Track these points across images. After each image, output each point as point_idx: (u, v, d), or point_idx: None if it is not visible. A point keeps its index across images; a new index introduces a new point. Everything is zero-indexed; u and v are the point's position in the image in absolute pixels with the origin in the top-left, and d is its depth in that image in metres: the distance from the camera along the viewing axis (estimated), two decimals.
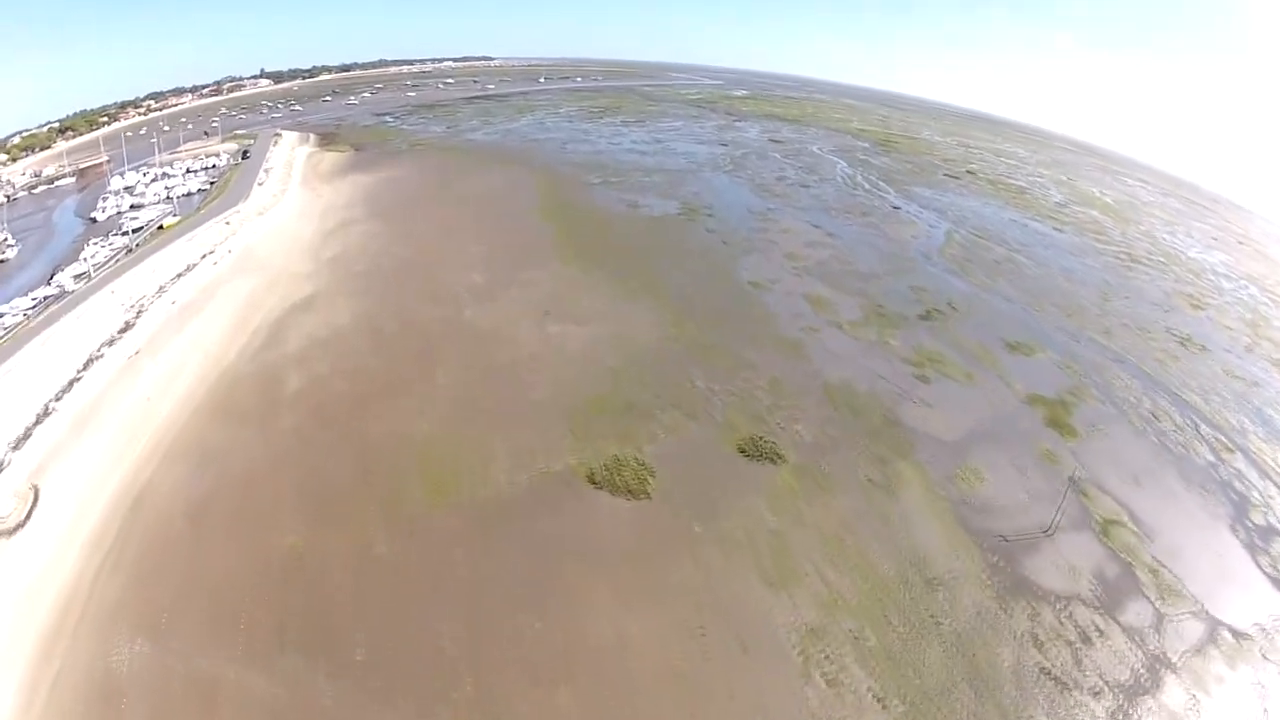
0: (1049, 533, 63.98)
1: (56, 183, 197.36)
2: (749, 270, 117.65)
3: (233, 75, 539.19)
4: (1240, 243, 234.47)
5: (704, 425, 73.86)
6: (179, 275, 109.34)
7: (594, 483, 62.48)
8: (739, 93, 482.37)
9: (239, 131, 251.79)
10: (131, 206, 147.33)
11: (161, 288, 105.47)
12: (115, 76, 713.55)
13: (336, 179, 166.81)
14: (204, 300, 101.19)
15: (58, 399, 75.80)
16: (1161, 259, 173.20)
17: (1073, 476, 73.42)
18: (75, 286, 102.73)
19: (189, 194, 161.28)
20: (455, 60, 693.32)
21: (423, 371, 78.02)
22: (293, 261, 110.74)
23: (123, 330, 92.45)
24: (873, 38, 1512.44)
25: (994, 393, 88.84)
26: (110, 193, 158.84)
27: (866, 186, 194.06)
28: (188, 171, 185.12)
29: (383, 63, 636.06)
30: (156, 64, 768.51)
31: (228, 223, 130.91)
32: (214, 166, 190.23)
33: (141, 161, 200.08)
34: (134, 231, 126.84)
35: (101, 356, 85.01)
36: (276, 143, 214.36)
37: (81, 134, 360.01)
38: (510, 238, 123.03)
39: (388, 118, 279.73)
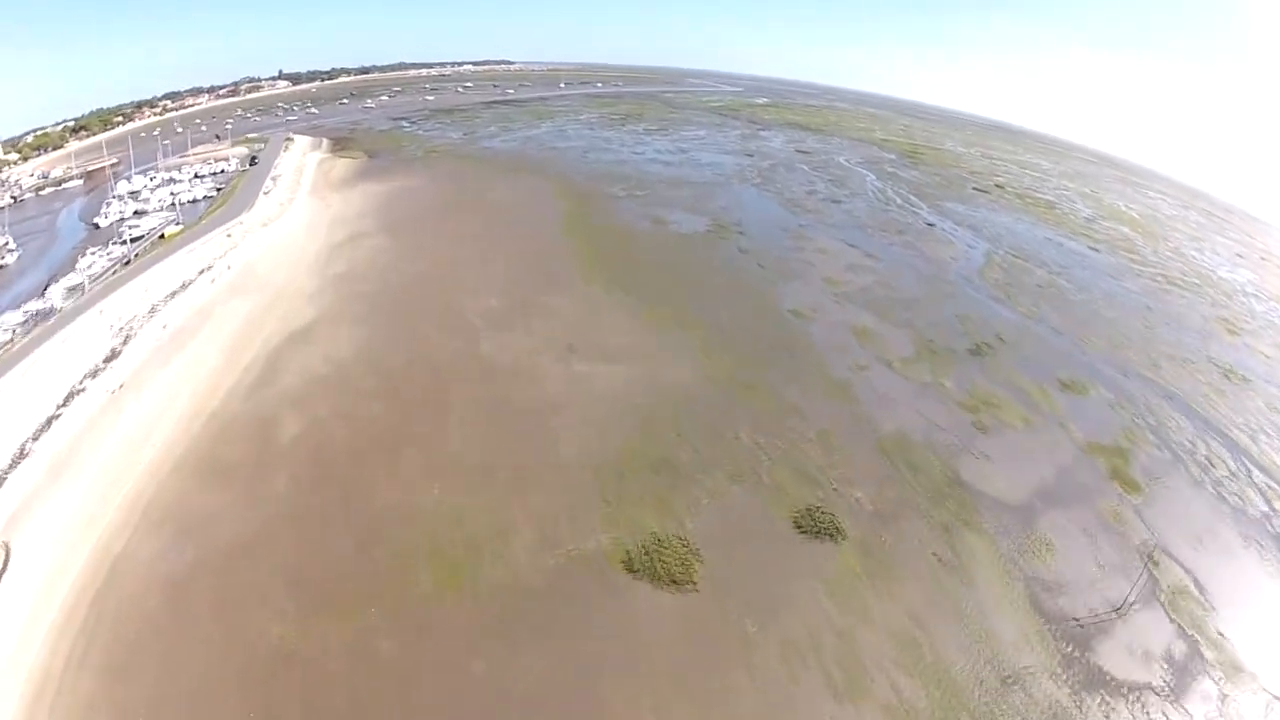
0: (1121, 612, 57.75)
1: (63, 185, 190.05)
2: (788, 297, 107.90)
3: (251, 76, 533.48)
4: (1263, 259, 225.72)
5: (751, 489, 64.09)
6: (173, 294, 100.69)
7: (631, 570, 52.84)
8: (760, 100, 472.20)
9: (250, 135, 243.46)
10: (135, 213, 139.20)
11: (153, 308, 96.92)
12: (135, 74, 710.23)
13: (347, 188, 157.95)
14: (197, 325, 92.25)
15: (35, 438, 67.38)
16: (1195, 280, 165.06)
17: (1149, 554, 65.46)
18: (65, 302, 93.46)
19: (194, 200, 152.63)
20: (475, 64, 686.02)
21: (433, 419, 68.50)
22: (296, 279, 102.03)
23: (109, 359, 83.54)
24: (887, 44, 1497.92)
25: (1053, 441, 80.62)
26: (114, 198, 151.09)
27: (899, 201, 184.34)
28: (195, 176, 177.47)
29: (402, 65, 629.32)
30: (177, 63, 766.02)
31: (229, 235, 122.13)
32: (222, 172, 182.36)
33: (149, 165, 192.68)
34: (134, 240, 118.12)
35: (84, 390, 76.25)
36: (287, 148, 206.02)
37: (95, 133, 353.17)
38: (529, 255, 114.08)
39: (404, 123, 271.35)
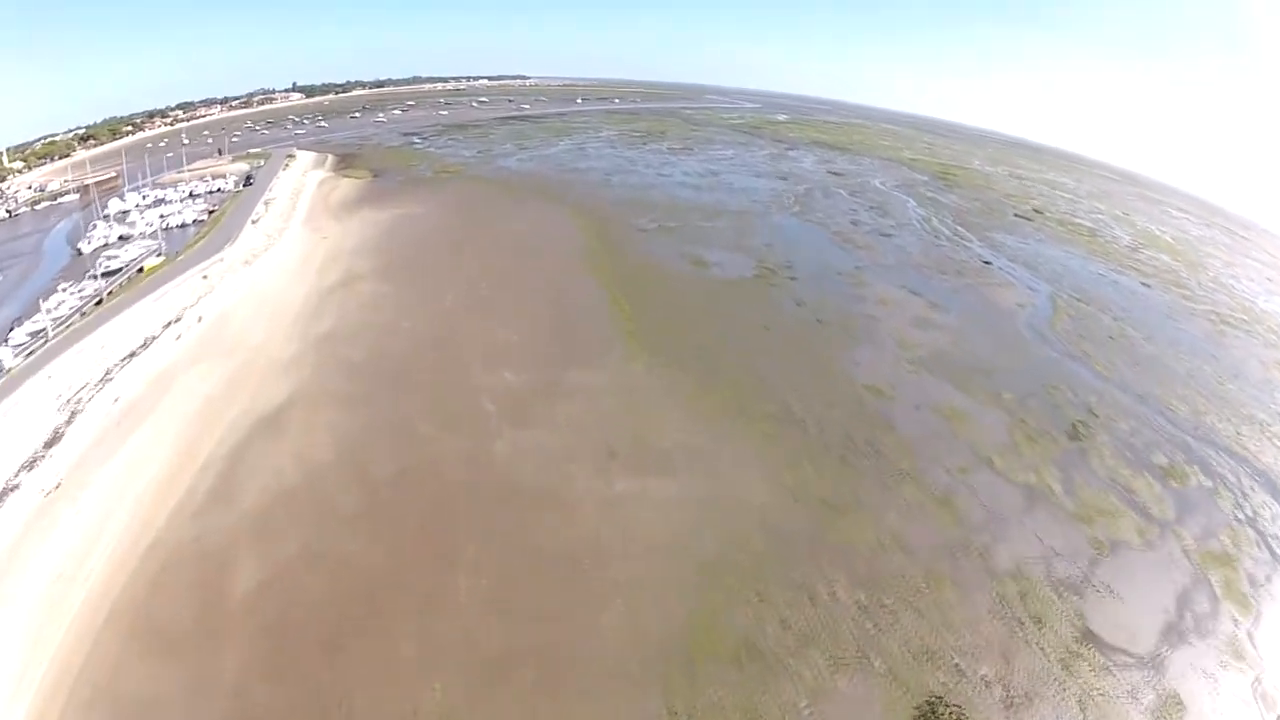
0: None
1: (59, 199, 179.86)
2: (860, 366, 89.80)
3: (264, 88, 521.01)
4: None
5: (860, 679, 46.55)
6: (131, 355, 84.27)
7: None
8: (780, 117, 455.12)
9: (253, 150, 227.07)
10: (120, 238, 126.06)
11: (107, 374, 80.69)
12: (153, 82, 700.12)
13: (346, 215, 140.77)
14: (153, 399, 74.79)
15: None
16: (1243, 316, 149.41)
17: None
18: (16, 360, 79.03)
19: (184, 225, 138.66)
20: (490, 79, 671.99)
21: (433, 569, 50.65)
22: (273, 340, 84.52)
23: (50, 443, 67.69)
24: (899, 61, 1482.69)
25: (1169, 557, 66.72)
26: (101, 219, 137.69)
27: (946, 233, 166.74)
28: (190, 196, 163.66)
29: (417, 79, 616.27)
30: (194, 72, 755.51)
31: (205, 276, 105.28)
32: (219, 190, 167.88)
33: (146, 180, 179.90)
34: (110, 274, 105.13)
35: (17, 487, 60.83)
36: (288, 165, 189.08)
37: (103, 143, 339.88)
38: (552, 310, 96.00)
39: (415, 139, 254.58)
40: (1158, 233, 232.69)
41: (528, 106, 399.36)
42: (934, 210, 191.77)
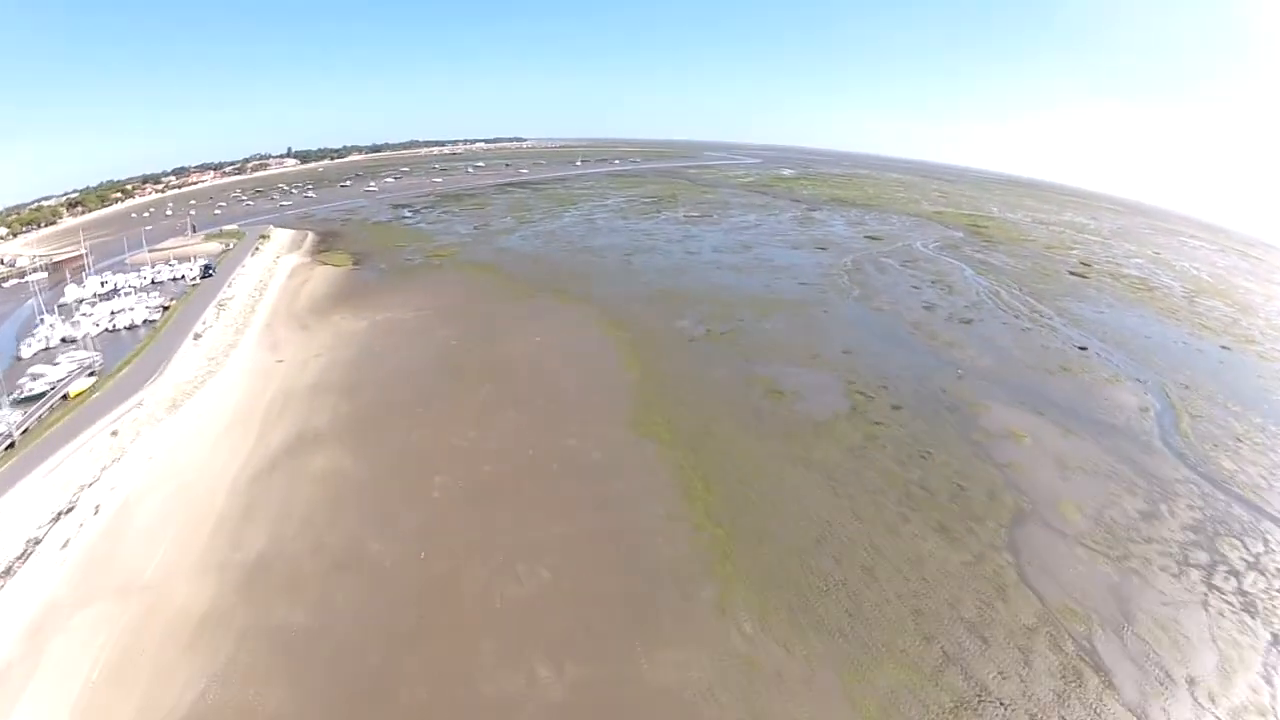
0: None
1: (26, 276, 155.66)
2: (1047, 584, 55.34)
3: (260, 153, 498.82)
4: None
5: None
6: (6, 572, 50.70)
7: None
8: (786, 172, 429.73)
9: (227, 227, 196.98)
10: (63, 340, 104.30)
11: None
12: (156, 144, 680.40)
13: (314, 322, 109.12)
14: (13, 687, 40.89)
15: None
16: None
17: None
18: None
19: (132, 326, 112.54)
20: (487, 141, 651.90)
21: None
22: (181, 570, 53.02)
23: None
24: (882, 106, 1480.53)
25: None
26: (53, 311, 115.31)
27: (1023, 310, 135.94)
28: (151, 283, 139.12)
29: (414, 143, 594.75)
30: (194, 136, 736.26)
31: (115, 432, 73.29)
32: (182, 279, 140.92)
33: (115, 260, 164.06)
34: (28, 400, 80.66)
35: None
36: (258, 249, 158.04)
37: (91, 209, 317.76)
38: (595, 510, 62.45)
39: (406, 212, 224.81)
40: (1195, 272, 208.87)
41: (526, 171, 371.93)
42: (993, 277, 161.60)
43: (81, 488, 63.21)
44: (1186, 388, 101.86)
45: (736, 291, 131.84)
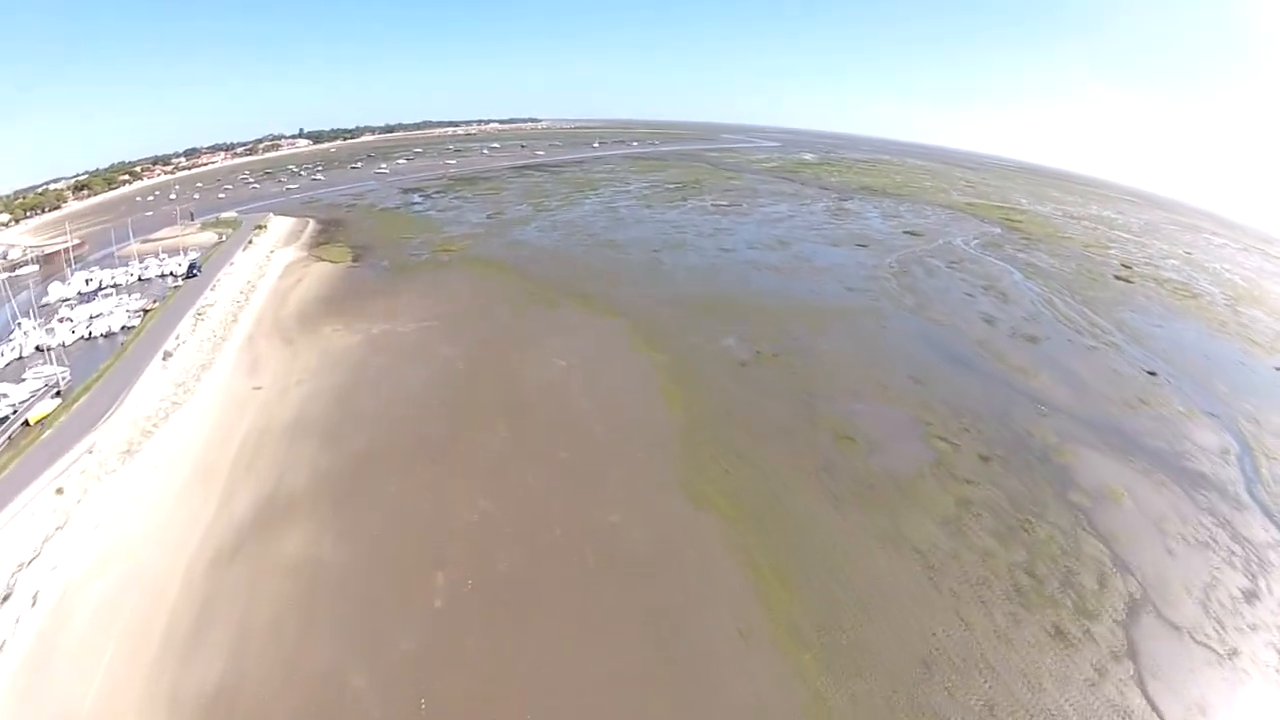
0: None
1: (18, 270, 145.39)
2: (1173, 704, 43.32)
3: (273, 134, 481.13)
4: None
5: None
6: None
7: None
8: (808, 157, 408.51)
9: (225, 215, 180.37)
10: (37, 348, 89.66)
11: None
12: (170, 125, 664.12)
13: (302, 333, 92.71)
14: None
15: None
16: None
17: None
18: None
19: (109, 333, 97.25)
20: (501, 122, 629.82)
21: None
22: (123, 700, 38.97)
23: None
24: (897, 91, 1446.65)
25: None
26: (21, 321, 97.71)
27: (1083, 324, 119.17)
28: (139, 280, 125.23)
29: (428, 123, 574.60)
30: (208, 116, 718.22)
31: (60, 490, 57.53)
32: (171, 275, 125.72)
33: (108, 251, 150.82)
34: None
35: None
36: (251, 243, 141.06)
37: (96, 193, 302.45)
38: (649, 626, 46.63)
39: (415, 197, 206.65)
40: (1228, 275, 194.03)
41: (542, 153, 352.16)
42: (1043, 282, 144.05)
43: (20, 566, 48.60)
44: (1255, 421, 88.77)
45: (781, 298, 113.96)
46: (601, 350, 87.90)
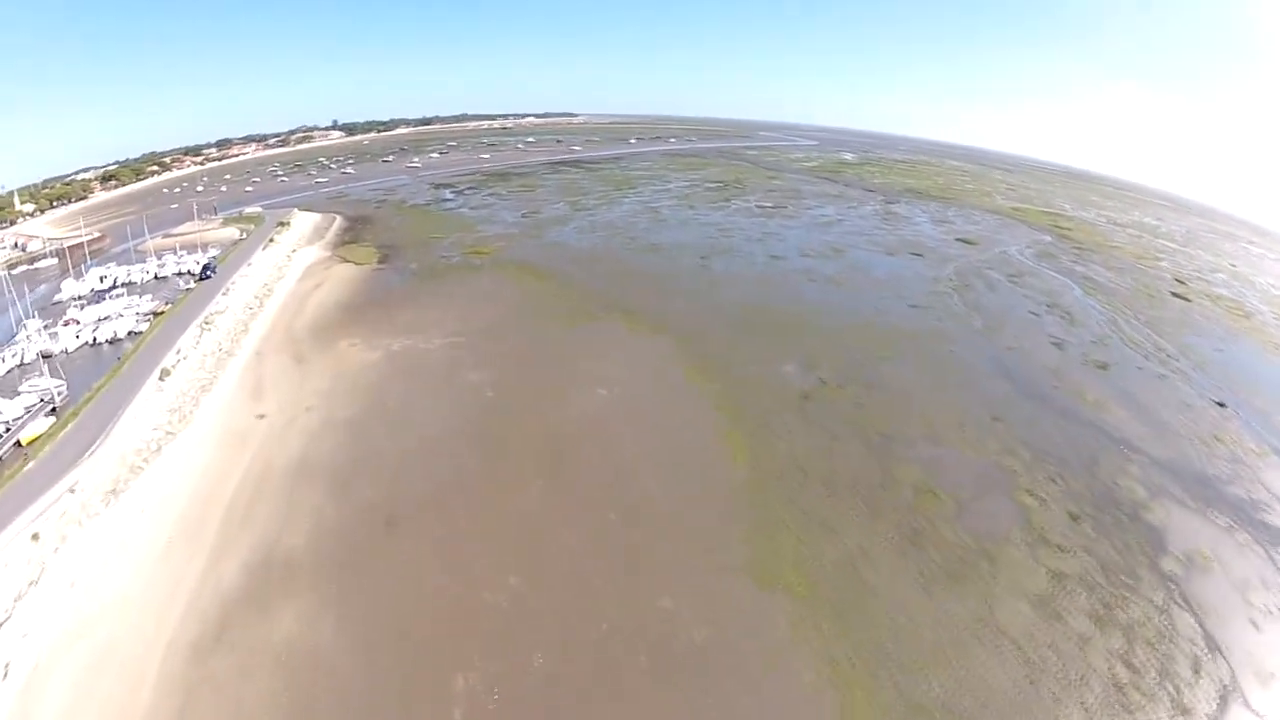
0: None
1: (36, 263, 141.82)
2: None
3: (306, 125, 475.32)
4: None
5: None
6: None
7: None
8: (848, 156, 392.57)
9: (249, 210, 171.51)
10: (40, 355, 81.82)
11: None
12: (206, 115, 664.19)
13: (315, 350, 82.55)
14: None
15: None
16: None
17: None
18: None
19: (115, 339, 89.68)
20: (538, 116, 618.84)
21: None
22: None
23: None
24: (925, 90, 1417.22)
25: None
26: (26, 322, 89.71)
27: (1149, 348, 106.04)
28: (155, 278, 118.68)
29: (464, 116, 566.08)
30: (245, 106, 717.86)
31: (36, 535, 46.84)
32: (189, 273, 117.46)
33: (124, 247, 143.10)
34: None
35: None
36: (272, 240, 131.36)
37: (124, 183, 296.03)
38: None
39: (447, 193, 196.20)
40: (1274, 291, 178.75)
41: (578, 148, 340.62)
42: (1104, 300, 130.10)
43: None
44: None
45: (841, 315, 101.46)
46: (649, 377, 75.95)
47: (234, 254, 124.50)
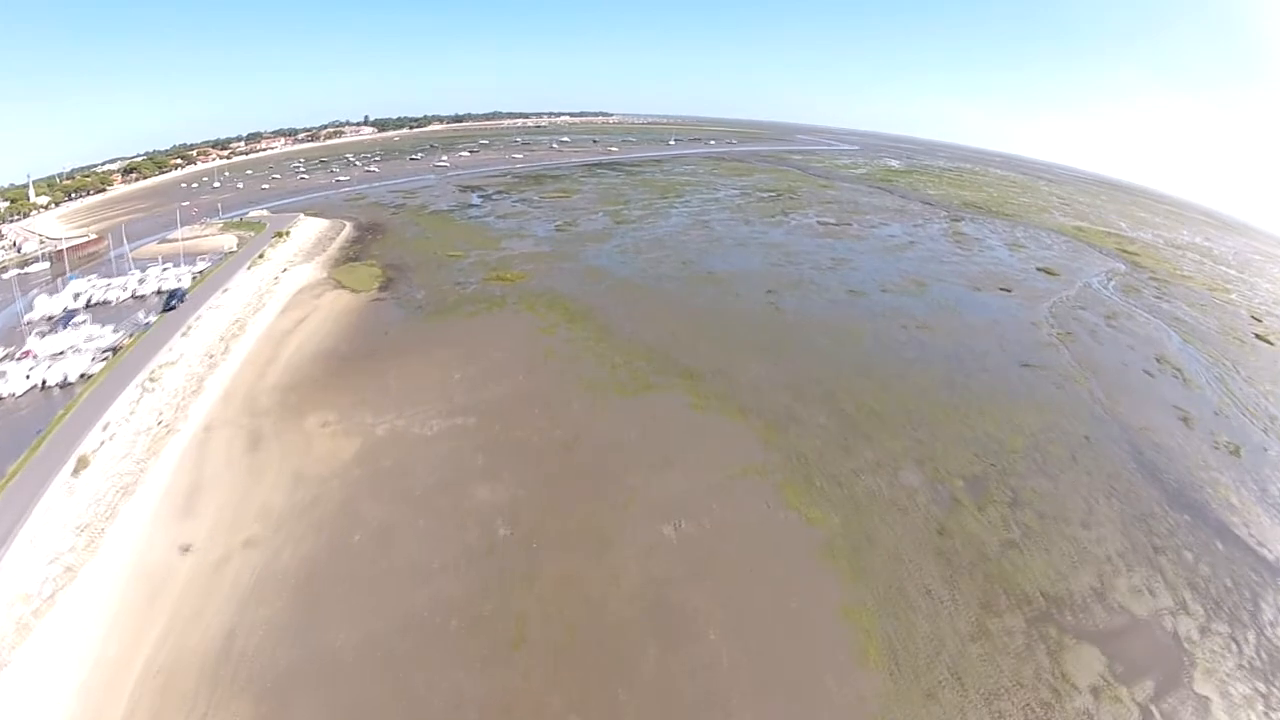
0: None
1: (28, 266, 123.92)
2: None
3: (338, 120, 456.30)
4: None
5: None
6: None
7: None
8: (893, 163, 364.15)
9: (256, 212, 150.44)
10: None
11: None
12: (246, 106, 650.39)
13: (278, 427, 61.59)
14: None
15: None
16: None
17: None
18: None
19: (65, 382, 71.25)
20: (572, 115, 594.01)
21: None
22: None
23: None
24: (958, 95, 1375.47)
25: None
26: None
27: (1264, 418, 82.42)
28: (134, 297, 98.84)
29: (497, 114, 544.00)
30: (281, 100, 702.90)
31: None
32: (168, 292, 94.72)
33: (124, 250, 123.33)
34: None
35: None
36: (261, 258, 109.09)
37: (145, 176, 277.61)
38: None
39: (474, 197, 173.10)
40: None
41: (615, 149, 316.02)
42: (1202, 349, 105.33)
43: None
44: None
45: (950, 384, 76.63)
46: (730, 500, 51.65)
47: (215, 273, 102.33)
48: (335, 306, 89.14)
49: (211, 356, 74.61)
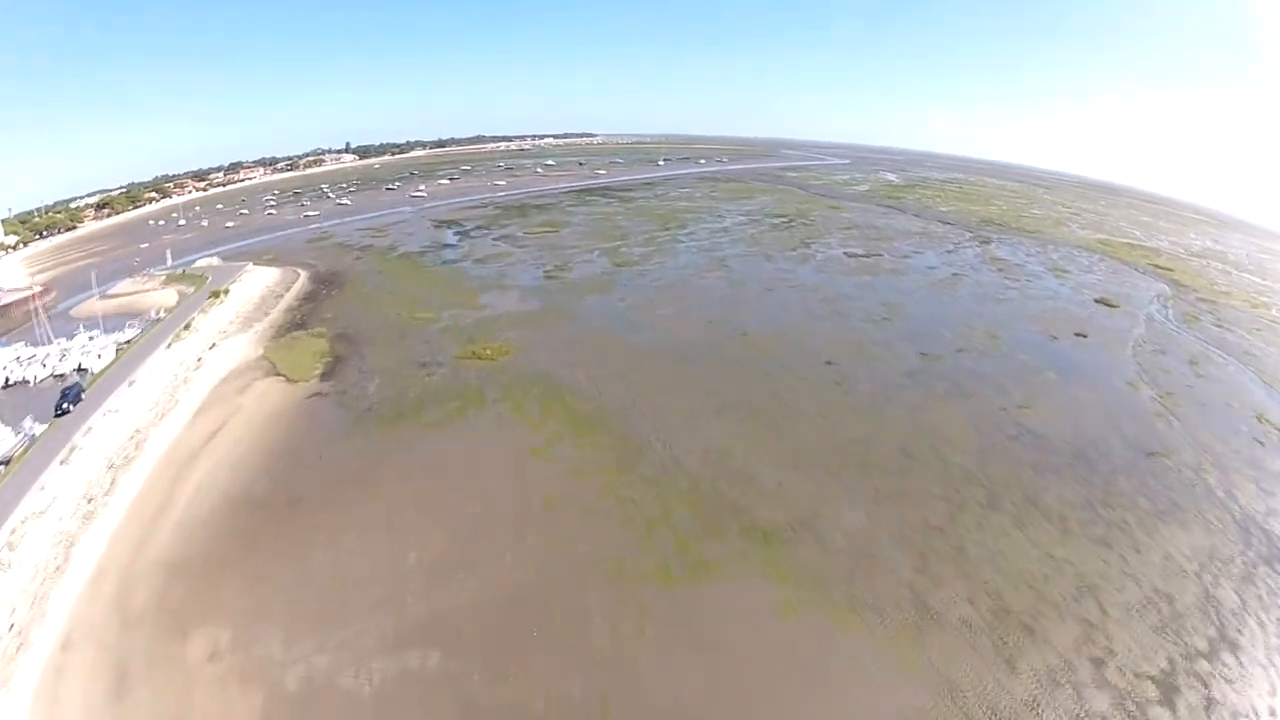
0: None
1: None
2: None
3: (320, 148, 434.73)
4: None
5: None
6: None
7: None
8: (891, 177, 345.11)
9: (205, 260, 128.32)
10: None
11: None
12: (227, 135, 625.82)
13: (155, 649, 39.40)
14: None
15: None
16: None
17: None
18: None
19: None
20: (556, 136, 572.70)
21: None
22: None
23: None
24: (937, 103, 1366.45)
25: None
26: None
27: None
28: (51, 376, 78.81)
29: (480, 138, 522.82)
30: (264, 127, 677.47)
31: None
32: (62, 389, 72.33)
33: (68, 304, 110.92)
34: None
35: None
36: (187, 329, 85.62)
37: (117, 212, 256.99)
38: None
39: (450, 234, 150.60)
40: None
41: (603, 171, 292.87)
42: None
43: None
44: None
45: (1090, 509, 53.97)
46: None
47: (129, 353, 77.59)
48: (262, 408, 64.78)
49: (90, 500, 50.66)
